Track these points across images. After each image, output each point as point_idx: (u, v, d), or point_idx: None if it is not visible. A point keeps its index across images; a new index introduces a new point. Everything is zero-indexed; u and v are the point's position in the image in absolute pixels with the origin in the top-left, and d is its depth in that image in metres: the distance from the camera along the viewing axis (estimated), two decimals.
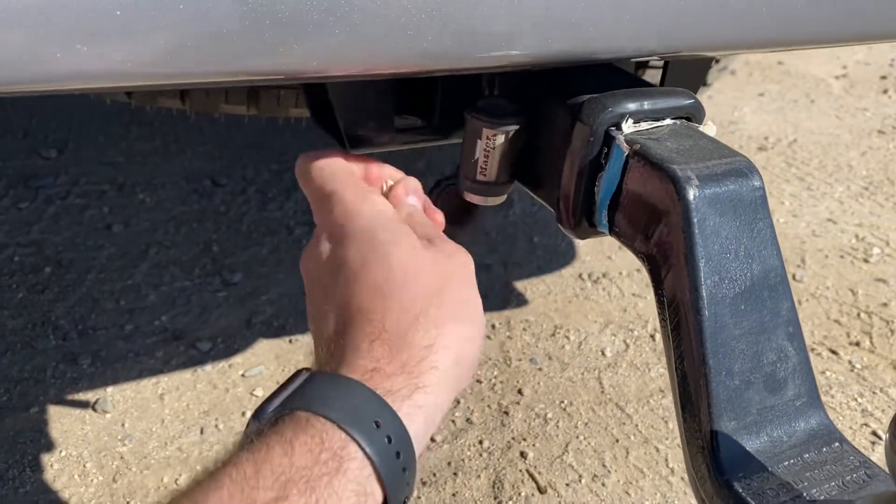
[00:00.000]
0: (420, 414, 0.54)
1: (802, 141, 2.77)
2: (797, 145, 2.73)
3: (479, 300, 0.63)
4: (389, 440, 0.51)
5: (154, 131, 2.52)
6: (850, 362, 1.75)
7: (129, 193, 2.20)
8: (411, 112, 0.79)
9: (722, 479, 0.56)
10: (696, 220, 0.59)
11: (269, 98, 1.12)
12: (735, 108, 3.01)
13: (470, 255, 0.66)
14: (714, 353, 0.58)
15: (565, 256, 2.06)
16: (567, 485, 1.43)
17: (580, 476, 1.45)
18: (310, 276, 0.65)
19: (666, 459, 1.49)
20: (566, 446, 1.51)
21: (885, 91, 3.17)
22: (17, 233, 2.00)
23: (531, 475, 1.45)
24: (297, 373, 0.55)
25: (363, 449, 0.50)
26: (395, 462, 0.51)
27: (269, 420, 0.51)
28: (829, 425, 0.60)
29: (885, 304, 1.92)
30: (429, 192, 0.78)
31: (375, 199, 0.66)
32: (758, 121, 2.91)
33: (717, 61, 1.79)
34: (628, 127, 0.66)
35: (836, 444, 0.59)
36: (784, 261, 2.13)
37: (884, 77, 3.28)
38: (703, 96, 2.93)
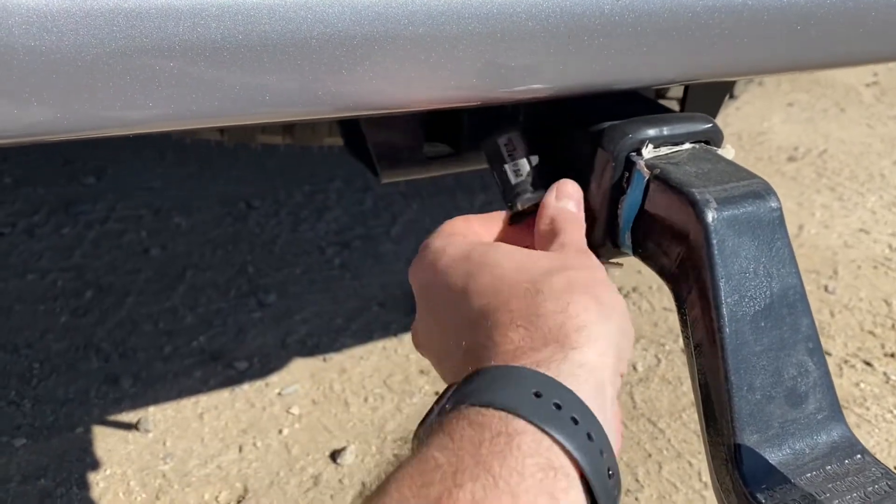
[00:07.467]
0: (583, 372, 0.51)
1: (833, 151, 2.75)
2: (828, 155, 2.72)
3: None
4: (558, 407, 0.48)
5: (188, 156, 2.58)
6: (885, 374, 1.74)
7: (166, 217, 2.26)
8: (439, 140, 0.82)
9: (746, 490, 0.58)
10: (715, 241, 0.62)
11: (303, 128, 1.16)
12: (764, 118, 3.00)
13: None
14: (736, 369, 0.60)
15: None
16: None
17: None
18: (420, 296, 0.66)
19: (699, 473, 1.50)
20: None
21: None
22: (60, 258, 2.06)
23: None
24: (444, 391, 0.54)
25: (528, 420, 0.46)
26: (571, 427, 0.47)
27: (426, 431, 0.50)
28: (851, 437, 0.62)
29: None
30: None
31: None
32: (787, 131, 2.90)
33: None
34: (648, 152, 0.69)
35: (858, 455, 0.61)
36: (816, 273, 2.08)
37: None
38: (731, 108, 2.93)
